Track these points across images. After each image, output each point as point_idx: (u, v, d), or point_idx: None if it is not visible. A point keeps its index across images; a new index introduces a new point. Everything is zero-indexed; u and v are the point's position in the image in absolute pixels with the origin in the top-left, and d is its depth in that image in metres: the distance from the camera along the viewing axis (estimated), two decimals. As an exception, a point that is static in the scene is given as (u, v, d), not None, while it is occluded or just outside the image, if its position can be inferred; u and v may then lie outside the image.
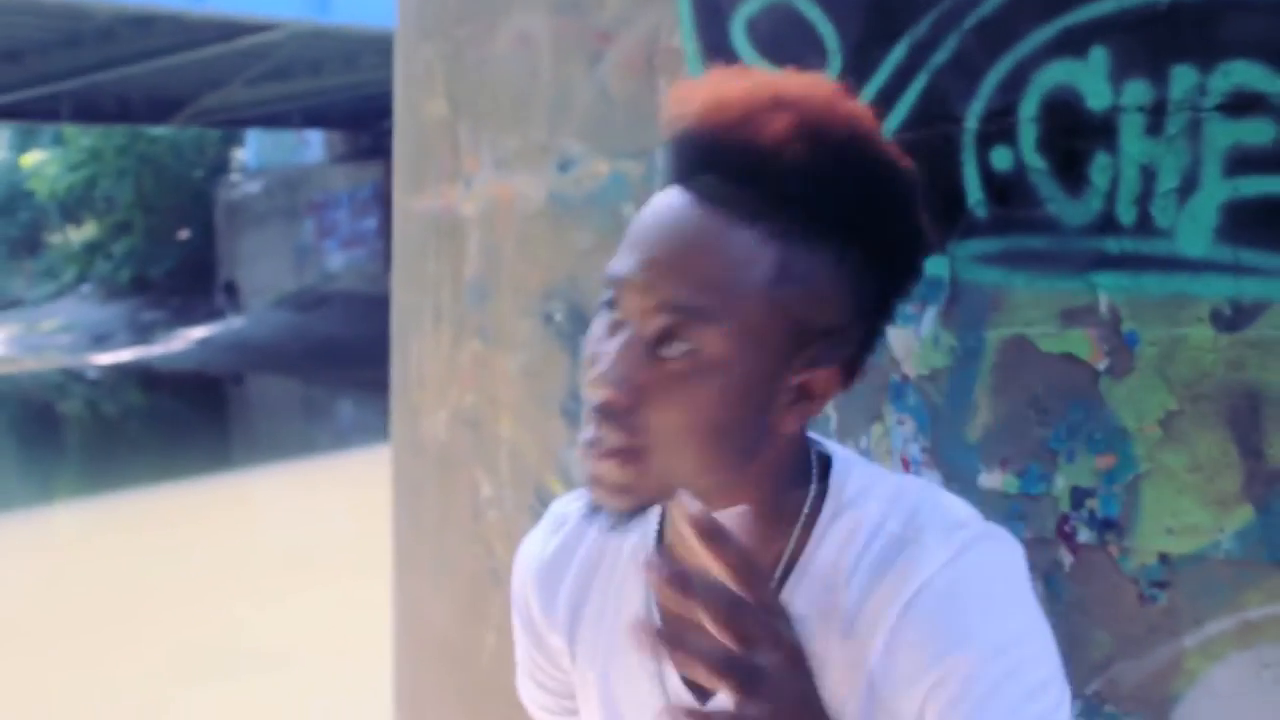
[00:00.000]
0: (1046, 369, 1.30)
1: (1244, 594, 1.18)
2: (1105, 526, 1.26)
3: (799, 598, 1.01)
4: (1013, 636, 0.96)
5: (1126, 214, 1.24)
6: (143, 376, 22.53)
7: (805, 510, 1.03)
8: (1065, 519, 1.29)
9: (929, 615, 0.95)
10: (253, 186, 28.50)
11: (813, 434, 1.09)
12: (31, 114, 22.54)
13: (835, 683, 0.96)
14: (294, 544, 9.86)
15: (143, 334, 26.71)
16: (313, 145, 27.97)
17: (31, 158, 31.05)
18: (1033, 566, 1.31)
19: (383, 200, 25.06)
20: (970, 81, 1.33)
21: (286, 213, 26.98)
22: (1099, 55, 1.24)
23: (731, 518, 0.86)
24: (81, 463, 16.03)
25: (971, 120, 1.33)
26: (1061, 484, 1.29)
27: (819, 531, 1.03)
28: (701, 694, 1.05)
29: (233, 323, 26.22)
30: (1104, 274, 1.25)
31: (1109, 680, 1.28)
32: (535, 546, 1.22)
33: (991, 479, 1.34)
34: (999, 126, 1.32)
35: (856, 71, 1.41)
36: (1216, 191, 1.18)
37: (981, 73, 1.32)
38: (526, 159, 1.80)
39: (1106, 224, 1.25)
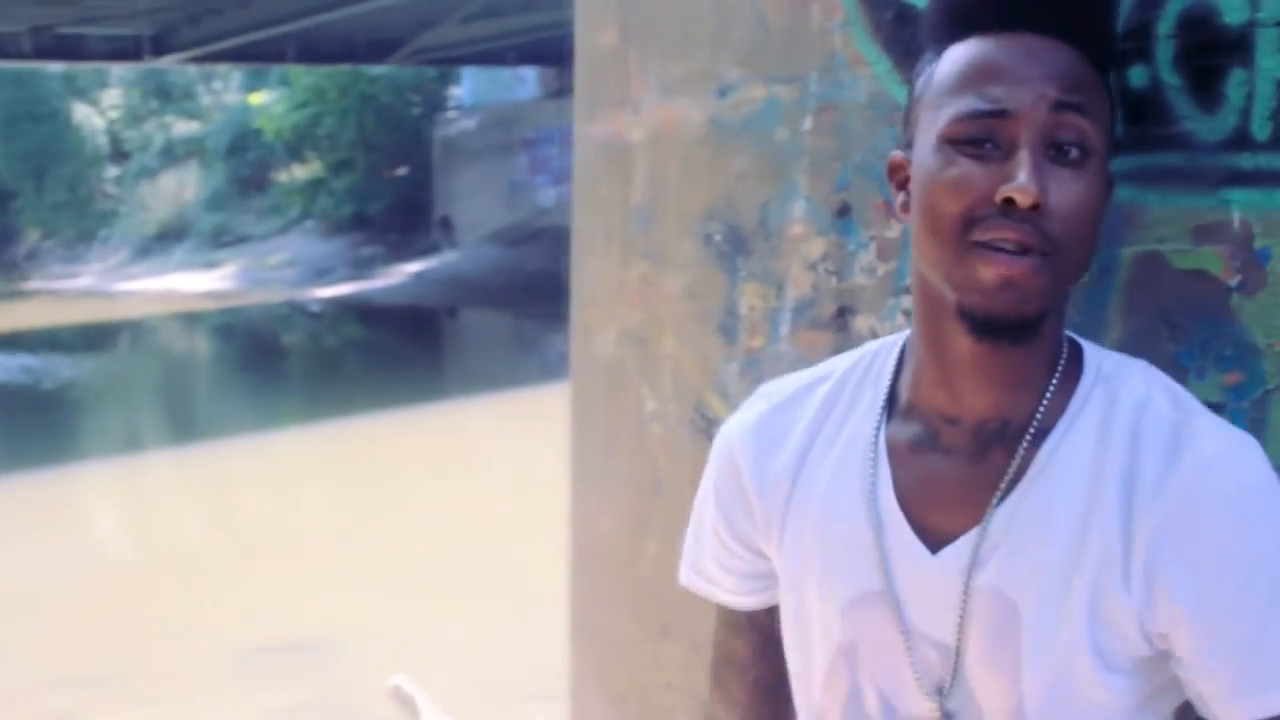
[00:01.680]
0: (1179, 285, 1.31)
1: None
2: (1233, 441, 1.28)
3: (1060, 459, 1.12)
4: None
5: (1261, 130, 1.24)
6: (361, 309, 23.41)
7: (1060, 369, 1.16)
8: (1194, 433, 1.31)
9: (1209, 505, 1.07)
10: (468, 123, 29.11)
11: None
12: (260, 56, 23.47)
13: (1089, 542, 1.09)
14: (504, 471, 10.20)
15: (361, 268, 27.70)
16: (527, 82, 28.43)
17: (259, 98, 32.35)
18: (1161, 479, 1.34)
19: (592, 137, 25.36)
20: (1109, 1, 1.35)
21: (500, 149, 27.47)
22: (1237, -31, 1.25)
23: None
24: (304, 391, 16.78)
25: (1110, 39, 1.35)
26: (1191, 399, 1.31)
27: (1080, 395, 1.15)
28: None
29: (447, 257, 26.95)
30: (1237, 190, 1.26)
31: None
32: (745, 418, 1.30)
33: (1123, 394, 1.37)
34: (1136, 44, 1.33)
35: (999, -8, 1.43)
36: (1353, 106, 1.18)
37: (1120, -8, 1.34)
38: (689, 85, 1.87)
39: (1241, 140, 1.26)
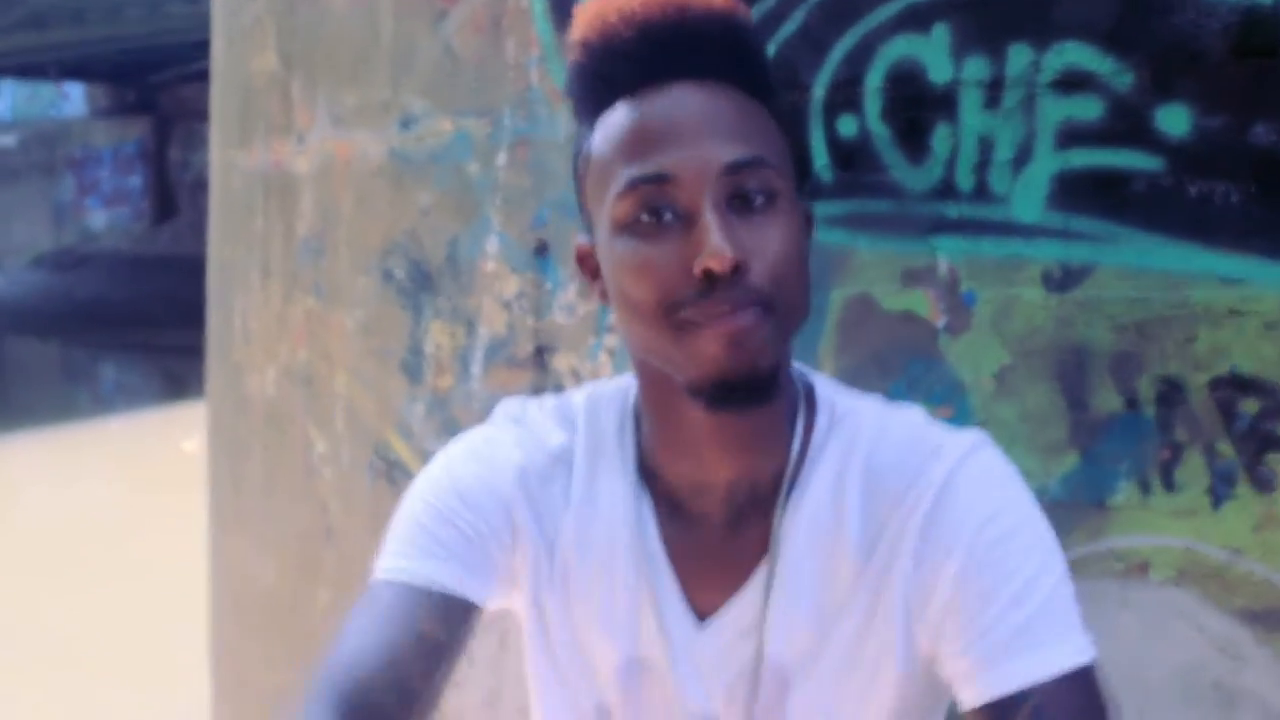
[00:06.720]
0: (889, 327, 1.38)
1: (1070, 534, 1.28)
2: (942, 475, 1.35)
3: (804, 516, 1.06)
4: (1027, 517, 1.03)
5: (965, 181, 1.32)
6: (-115, 340, 21.24)
7: (800, 421, 1.08)
8: (904, 468, 1.37)
9: (961, 496, 1.02)
10: (7, 140, 27.03)
11: None
12: None
13: (842, 592, 1.05)
14: (56, 513, 9.46)
15: (-115, 295, 25.15)
16: (73, 99, 26.70)
17: None
18: (872, 513, 1.40)
19: (148, 158, 24.12)
20: (818, 53, 1.39)
21: (44, 169, 25.71)
22: (941, 32, 1.32)
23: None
24: None
25: (819, 89, 1.40)
26: (901, 435, 1.37)
27: (817, 443, 1.08)
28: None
29: (-15, 284, 24.91)
30: (944, 237, 1.34)
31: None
32: (514, 452, 1.14)
33: (834, 431, 1.42)
34: (845, 96, 1.38)
35: (708, 38, 1.46)
36: (1048, 162, 1.28)
37: (829, 45, 1.39)
38: (366, 116, 1.80)
39: (946, 190, 1.33)
